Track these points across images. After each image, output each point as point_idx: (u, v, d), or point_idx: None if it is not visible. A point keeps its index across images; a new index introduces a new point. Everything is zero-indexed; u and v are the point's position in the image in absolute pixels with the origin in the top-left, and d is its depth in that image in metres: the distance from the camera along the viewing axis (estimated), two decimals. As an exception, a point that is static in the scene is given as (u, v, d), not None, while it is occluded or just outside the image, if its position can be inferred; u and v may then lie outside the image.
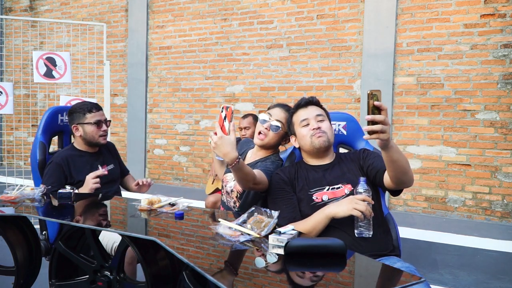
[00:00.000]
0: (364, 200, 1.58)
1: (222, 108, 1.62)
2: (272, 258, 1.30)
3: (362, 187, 1.63)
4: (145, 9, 6.58)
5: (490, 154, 4.55)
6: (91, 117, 2.41)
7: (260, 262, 1.31)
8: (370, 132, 1.38)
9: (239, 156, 1.63)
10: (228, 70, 6.01)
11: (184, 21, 6.32)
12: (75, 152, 2.46)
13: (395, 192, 1.77)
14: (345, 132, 2.07)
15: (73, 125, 2.44)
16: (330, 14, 5.30)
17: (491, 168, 4.55)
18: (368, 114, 1.38)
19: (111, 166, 2.51)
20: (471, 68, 4.60)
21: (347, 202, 1.61)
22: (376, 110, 1.37)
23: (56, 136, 2.71)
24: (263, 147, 2.10)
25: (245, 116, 3.86)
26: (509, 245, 3.78)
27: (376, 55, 4.99)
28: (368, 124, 1.38)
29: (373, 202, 1.63)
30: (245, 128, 3.77)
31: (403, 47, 4.92)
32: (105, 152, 2.57)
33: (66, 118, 2.61)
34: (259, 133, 2.05)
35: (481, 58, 4.56)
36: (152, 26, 6.60)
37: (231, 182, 2.16)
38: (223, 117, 1.61)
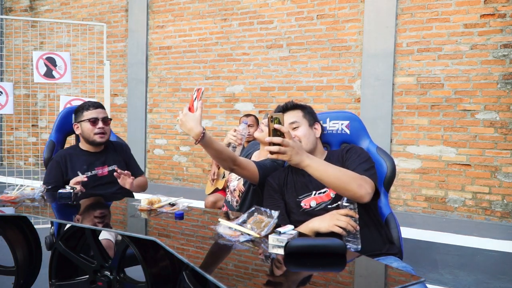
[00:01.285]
0: (347, 215, 1.57)
1: (195, 90, 1.68)
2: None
3: (345, 200, 1.61)
4: (145, 9, 6.58)
5: (490, 154, 4.55)
6: (87, 115, 2.44)
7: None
8: (271, 152, 1.49)
9: (204, 132, 1.64)
10: (228, 70, 6.01)
11: (184, 21, 6.33)
12: (77, 151, 2.49)
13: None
14: (348, 131, 2.05)
15: (74, 123, 2.50)
16: (330, 14, 5.30)
17: (491, 168, 4.55)
18: (269, 136, 1.49)
19: (113, 167, 2.50)
20: (471, 68, 4.60)
21: (329, 218, 1.60)
22: (278, 132, 1.49)
23: (73, 136, 2.78)
24: (262, 143, 2.15)
25: (248, 115, 3.96)
26: (509, 245, 3.79)
27: (376, 55, 4.99)
28: (270, 145, 1.49)
29: (357, 216, 1.59)
30: (248, 125, 3.81)
31: (403, 47, 4.92)
32: (110, 152, 2.55)
33: None
34: (259, 127, 2.16)
35: (481, 58, 4.56)
36: (152, 26, 6.60)
37: (235, 181, 2.18)
38: (194, 98, 1.67)
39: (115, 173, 2.35)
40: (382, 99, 4.99)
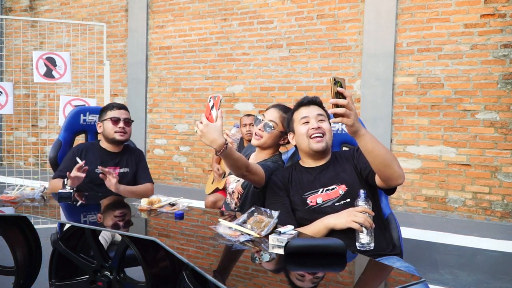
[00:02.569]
0: (364, 212, 1.57)
1: (210, 98, 1.61)
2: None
3: (361, 199, 1.61)
4: (145, 9, 6.58)
5: (490, 154, 4.55)
6: (110, 114, 2.52)
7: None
8: (335, 116, 1.45)
9: (226, 142, 1.61)
10: (228, 70, 6.01)
11: (184, 21, 6.32)
12: (95, 147, 2.56)
13: (389, 191, 1.75)
14: (347, 131, 2.06)
15: (97, 123, 2.59)
16: (330, 14, 5.30)
17: (491, 168, 4.55)
18: (332, 98, 1.44)
19: (124, 170, 2.53)
20: (471, 68, 4.60)
21: (346, 214, 1.61)
22: (341, 96, 1.44)
23: (83, 135, 2.84)
24: (261, 147, 2.12)
25: (248, 115, 3.95)
26: (509, 245, 3.78)
27: (376, 55, 4.99)
28: (333, 107, 1.45)
29: (373, 214, 1.61)
30: (250, 124, 3.80)
31: (403, 47, 4.92)
32: (126, 156, 2.59)
33: (90, 118, 2.75)
34: (255, 134, 2.10)
35: (481, 58, 4.56)
36: (152, 26, 6.60)
37: (233, 184, 2.17)
38: (210, 106, 1.60)
39: (100, 175, 2.33)
40: (382, 99, 4.99)
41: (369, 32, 5.03)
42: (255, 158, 2.16)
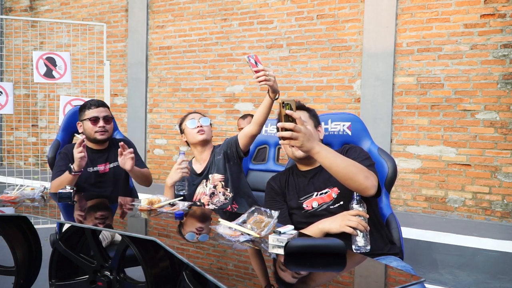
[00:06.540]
0: (358, 215, 1.57)
1: (248, 57, 1.82)
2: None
3: (355, 202, 1.61)
4: (145, 9, 6.58)
5: (490, 154, 4.55)
6: (88, 114, 2.45)
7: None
8: (283, 139, 1.47)
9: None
10: (228, 70, 6.01)
11: (184, 21, 6.32)
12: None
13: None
14: (349, 133, 2.06)
15: (77, 122, 2.52)
16: (330, 14, 5.30)
17: (491, 168, 4.55)
18: (280, 121, 1.46)
19: (114, 164, 2.50)
20: (471, 68, 4.60)
21: (340, 218, 1.60)
22: (290, 118, 1.46)
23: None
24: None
25: (244, 116, 3.93)
26: (509, 245, 3.78)
27: (376, 55, 4.99)
28: (281, 131, 1.46)
29: (367, 216, 1.60)
30: None
31: (403, 47, 4.91)
32: (113, 150, 2.54)
33: None
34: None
35: (481, 58, 4.56)
36: (152, 26, 6.60)
37: (207, 186, 2.24)
38: (254, 63, 1.81)
39: (119, 150, 2.31)
40: (382, 99, 4.99)
41: (369, 32, 5.03)
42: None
